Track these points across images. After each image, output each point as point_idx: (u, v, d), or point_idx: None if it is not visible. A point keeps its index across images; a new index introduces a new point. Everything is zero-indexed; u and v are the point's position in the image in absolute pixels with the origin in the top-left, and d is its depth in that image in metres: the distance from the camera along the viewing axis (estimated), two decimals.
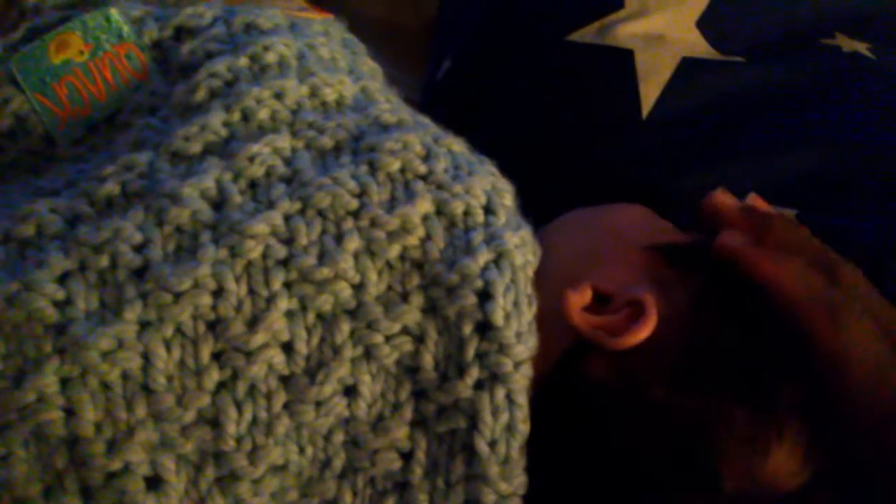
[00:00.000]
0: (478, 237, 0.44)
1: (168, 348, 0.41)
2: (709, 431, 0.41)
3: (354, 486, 0.42)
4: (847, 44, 0.61)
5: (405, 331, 0.42)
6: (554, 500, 0.43)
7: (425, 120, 0.51)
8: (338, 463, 0.42)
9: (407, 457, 0.42)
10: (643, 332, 0.42)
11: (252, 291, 0.42)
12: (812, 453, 0.40)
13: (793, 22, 0.62)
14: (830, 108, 0.58)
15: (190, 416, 0.40)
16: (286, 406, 0.41)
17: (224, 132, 0.46)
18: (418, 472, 0.42)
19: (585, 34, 0.61)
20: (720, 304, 0.43)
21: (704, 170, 0.57)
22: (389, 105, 0.50)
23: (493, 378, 0.42)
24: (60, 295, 0.41)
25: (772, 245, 0.44)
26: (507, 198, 0.47)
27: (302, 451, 0.42)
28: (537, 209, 0.48)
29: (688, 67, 0.59)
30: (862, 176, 0.55)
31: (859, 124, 0.57)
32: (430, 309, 0.43)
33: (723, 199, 0.48)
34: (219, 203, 0.43)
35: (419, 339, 0.42)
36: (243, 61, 0.49)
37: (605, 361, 0.43)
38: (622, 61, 0.59)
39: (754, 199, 0.48)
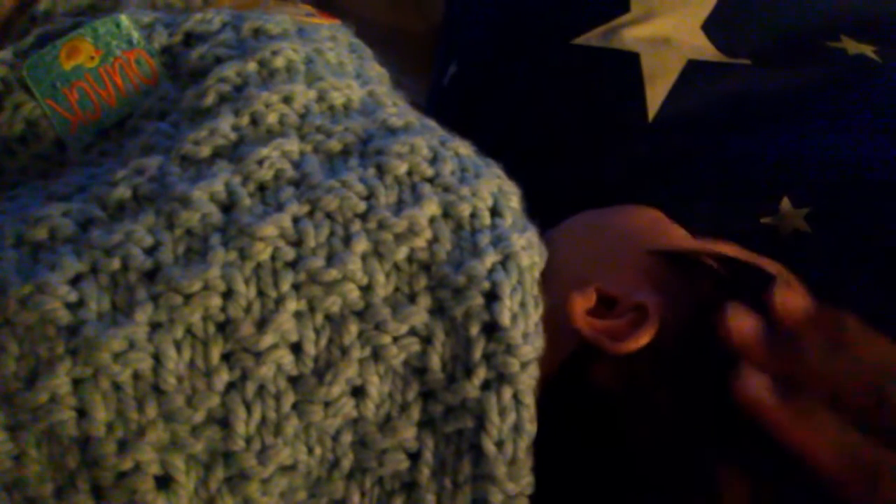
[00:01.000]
0: (484, 239, 0.44)
1: (178, 349, 0.41)
2: (709, 437, 0.41)
3: (362, 487, 0.42)
4: (853, 46, 0.61)
5: (413, 332, 0.43)
6: (560, 501, 0.44)
7: (432, 123, 0.51)
8: (346, 463, 0.42)
9: (414, 457, 0.42)
10: (644, 337, 0.43)
11: (261, 293, 0.42)
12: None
13: (798, 25, 0.62)
14: (836, 110, 0.58)
15: (200, 416, 0.41)
16: (295, 406, 0.41)
17: (233, 136, 0.47)
18: (426, 472, 0.42)
19: (591, 38, 0.61)
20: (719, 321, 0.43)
21: (710, 171, 0.57)
22: (396, 109, 0.51)
23: (500, 378, 0.42)
24: (73, 297, 0.41)
25: (802, 386, 0.37)
26: (513, 200, 0.48)
27: (310, 451, 0.42)
28: (543, 212, 0.49)
29: (694, 70, 0.59)
30: (867, 176, 0.55)
31: (865, 127, 0.57)
32: (438, 310, 0.43)
33: (737, 323, 0.39)
34: (228, 206, 0.44)
35: (427, 340, 0.43)
36: (252, 66, 0.50)
37: (607, 365, 0.43)
38: (628, 64, 0.59)
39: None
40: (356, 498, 0.42)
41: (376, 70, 0.57)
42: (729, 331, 0.40)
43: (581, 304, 0.44)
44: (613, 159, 0.59)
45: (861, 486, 0.36)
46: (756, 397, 0.38)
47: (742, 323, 0.40)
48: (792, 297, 0.40)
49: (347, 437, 0.42)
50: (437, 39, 0.77)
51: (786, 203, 0.55)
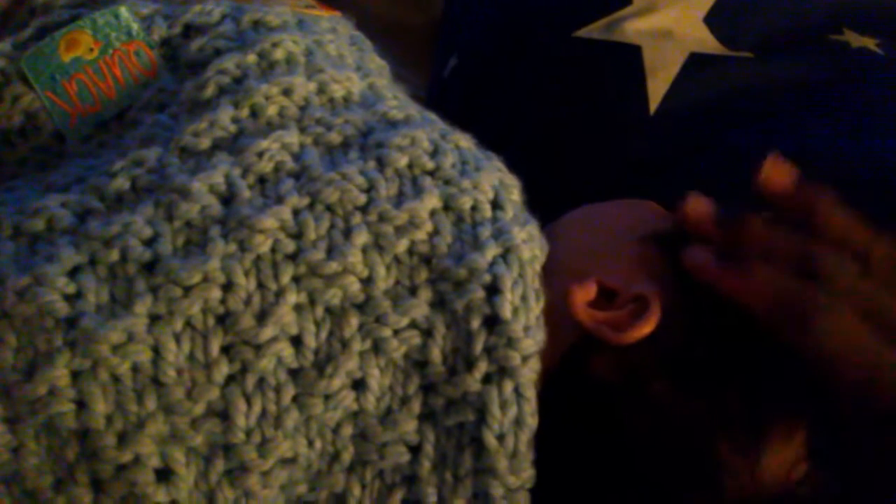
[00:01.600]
0: (485, 232, 0.44)
1: (178, 341, 0.41)
2: (708, 428, 0.41)
3: (363, 480, 0.42)
4: (855, 39, 0.61)
5: (413, 325, 0.42)
6: (561, 494, 0.43)
7: (432, 116, 0.51)
8: (346, 456, 0.42)
9: (415, 450, 0.42)
10: (646, 327, 0.43)
11: (261, 285, 0.42)
12: (810, 452, 0.40)
13: (801, 17, 0.62)
14: (838, 103, 0.58)
15: (199, 408, 0.40)
16: (295, 399, 0.41)
17: (233, 128, 0.47)
18: (427, 465, 0.42)
19: (593, 30, 0.61)
20: (717, 305, 0.43)
21: (712, 165, 0.57)
22: (397, 101, 0.51)
23: (501, 372, 0.42)
24: (71, 289, 0.41)
25: (743, 253, 0.42)
26: (514, 193, 0.47)
27: (311, 444, 0.42)
28: (544, 205, 0.48)
29: (696, 63, 0.59)
30: (869, 170, 0.55)
31: (867, 120, 0.57)
32: (439, 303, 0.43)
33: (694, 207, 0.46)
34: (228, 198, 0.44)
35: (427, 333, 0.42)
36: (252, 58, 0.49)
37: (608, 357, 0.43)
38: (630, 57, 0.59)
39: (695, 200, 0.46)
40: (357, 491, 0.42)
41: (377, 62, 0.57)
42: (685, 213, 0.46)
43: (582, 296, 0.44)
44: (614, 152, 0.59)
45: (797, 328, 0.40)
46: (700, 262, 0.43)
47: (698, 206, 0.46)
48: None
49: (348, 430, 0.42)
50: (437, 32, 0.77)
51: None
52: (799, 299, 0.40)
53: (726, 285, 0.42)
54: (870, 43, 0.61)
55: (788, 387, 0.41)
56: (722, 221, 0.45)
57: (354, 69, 0.53)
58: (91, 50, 0.52)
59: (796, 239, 0.43)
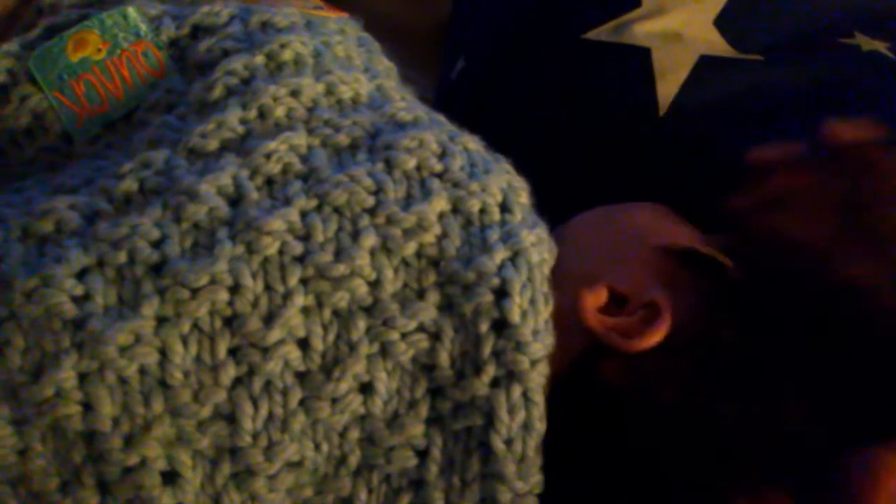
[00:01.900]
0: (494, 235, 0.44)
1: (185, 344, 0.41)
2: (718, 437, 0.41)
3: (370, 484, 0.42)
4: (866, 43, 0.61)
5: (421, 328, 0.42)
6: (568, 500, 0.43)
7: (440, 118, 0.51)
8: (353, 460, 0.42)
9: (422, 454, 0.42)
10: (656, 335, 0.42)
11: (268, 288, 0.42)
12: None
13: (811, 21, 0.61)
14: (849, 107, 0.58)
15: (206, 411, 0.40)
16: (302, 402, 0.41)
17: (241, 129, 0.46)
18: (434, 469, 0.42)
19: (602, 32, 0.60)
20: (735, 312, 0.43)
21: (721, 168, 0.56)
22: (405, 103, 0.50)
23: (509, 376, 0.42)
24: (79, 290, 0.41)
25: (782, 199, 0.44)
26: (522, 196, 0.47)
27: (317, 447, 0.42)
28: (553, 208, 0.48)
29: (705, 65, 0.59)
30: None
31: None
32: (447, 306, 0.43)
33: (763, 152, 0.47)
34: (235, 200, 0.44)
35: (435, 337, 0.42)
36: (260, 59, 0.49)
37: (618, 363, 0.43)
38: (639, 59, 0.59)
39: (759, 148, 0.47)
40: (363, 495, 0.42)
41: (384, 64, 0.57)
42: (757, 159, 0.47)
43: (592, 301, 0.44)
44: (623, 155, 0.58)
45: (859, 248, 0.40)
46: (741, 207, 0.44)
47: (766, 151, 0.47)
48: None
49: (355, 434, 0.42)
50: (444, 34, 0.77)
51: None
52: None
53: (764, 223, 0.43)
54: (881, 46, 0.61)
55: (803, 390, 0.41)
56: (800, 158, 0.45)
57: (362, 70, 0.52)
58: (99, 50, 0.52)
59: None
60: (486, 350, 0.42)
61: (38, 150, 0.52)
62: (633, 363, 0.42)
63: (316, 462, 0.42)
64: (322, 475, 0.42)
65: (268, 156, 0.45)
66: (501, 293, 0.42)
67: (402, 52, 0.61)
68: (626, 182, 0.57)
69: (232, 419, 0.41)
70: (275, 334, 0.41)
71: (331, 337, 0.42)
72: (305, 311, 0.42)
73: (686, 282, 0.44)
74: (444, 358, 0.42)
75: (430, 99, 0.65)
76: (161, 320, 0.41)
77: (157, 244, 0.42)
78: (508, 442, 0.41)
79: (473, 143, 0.49)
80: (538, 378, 0.42)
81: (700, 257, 0.45)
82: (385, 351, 0.42)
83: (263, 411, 0.41)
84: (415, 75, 0.64)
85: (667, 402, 0.41)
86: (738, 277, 0.44)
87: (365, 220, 0.43)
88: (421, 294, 0.43)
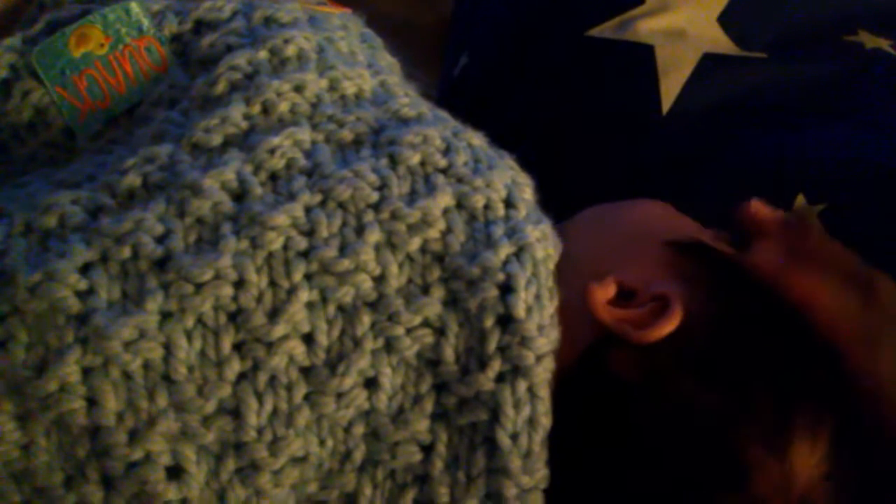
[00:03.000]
0: (498, 230, 0.44)
1: (189, 339, 0.40)
2: (731, 429, 0.41)
3: (374, 479, 0.42)
4: (870, 40, 0.61)
5: (426, 323, 0.42)
6: (575, 496, 0.43)
7: (444, 114, 0.51)
8: (358, 455, 0.42)
9: (427, 449, 0.42)
10: (669, 325, 0.42)
11: (273, 283, 0.41)
12: (834, 457, 0.40)
13: (815, 18, 0.62)
14: (852, 104, 0.58)
15: (211, 406, 0.40)
16: (307, 397, 0.41)
17: (244, 125, 0.46)
18: (439, 464, 0.42)
19: (605, 29, 0.60)
20: (746, 306, 0.43)
21: (725, 166, 0.56)
22: (408, 99, 0.50)
23: (514, 371, 0.42)
24: (83, 285, 0.41)
25: (807, 260, 0.44)
26: (526, 192, 0.47)
27: (322, 442, 0.41)
28: (556, 204, 0.48)
29: (709, 63, 0.59)
30: (885, 172, 0.55)
31: (881, 122, 0.57)
32: (451, 302, 0.43)
33: (759, 208, 0.48)
34: (239, 195, 0.43)
35: (440, 332, 0.42)
36: (263, 54, 0.49)
37: (628, 356, 0.43)
38: (643, 56, 0.59)
39: (757, 206, 0.48)
40: (368, 490, 0.42)
41: (387, 60, 0.57)
42: (749, 214, 0.48)
43: (601, 294, 0.44)
44: (626, 152, 0.58)
45: (861, 349, 0.41)
46: (768, 265, 0.44)
47: (761, 209, 0.48)
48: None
49: (360, 429, 0.42)
50: (446, 31, 0.77)
51: (801, 200, 0.55)
52: (865, 319, 0.42)
53: (797, 291, 0.43)
54: (884, 44, 0.61)
55: (816, 388, 0.41)
56: (788, 225, 0.46)
57: (366, 66, 0.52)
58: (101, 45, 0.51)
59: (854, 259, 0.45)
60: (492, 345, 0.42)
61: (40, 145, 0.51)
62: (645, 355, 0.42)
63: (320, 457, 0.42)
64: (327, 470, 0.42)
65: (272, 151, 0.45)
66: (506, 288, 0.42)
67: (404, 49, 0.61)
68: (628, 179, 0.57)
69: (236, 414, 0.40)
70: (279, 329, 0.41)
71: (335, 332, 0.42)
72: (310, 306, 0.41)
73: (694, 274, 0.44)
74: (448, 353, 0.42)
75: (432, 96, 0.65)
76: (165, 315, 0.41)
77: (160, 239, 0.42)
78: (514, 437, 0.41)
79: (477, 139, 0.49)
80: (543, 373, 0.42)
81: (707, 250, 0.45)
82: (390, 346, 0.42)
83: (268, 406, 0.41)
84: (416, 72, 0.63)
85: (677, 395, 0.41)
86: (747, 270, 0.44)
87: (369, 216, 0.43)
88: (426, 289, 0.43)
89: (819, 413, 0.41)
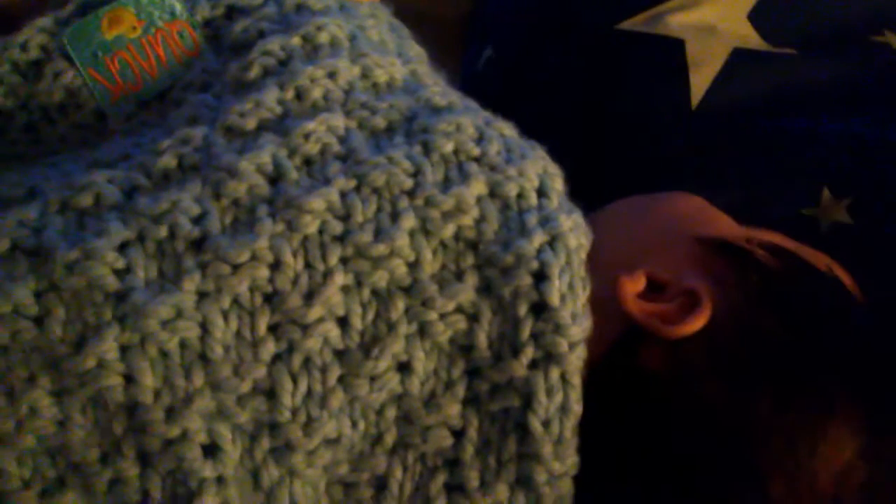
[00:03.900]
0: (532, 219, 0.44)
1: (226, 319, 0.41)
2: (756, 426, 0.41)
3: (405, 462, 0.42)
4: None
5: (459, 309, 0.42)
6: (602, 484, 0.43)
7: (474, 104, 0.51)
8: (389, 438, 0.42)
9: (459, 434, 0.42)
10: (699, 321, 0.42)
11: (309, 266, 0.42)
12: (862, 459, 0.40)
13: (843, 17, 0.62)
14: (879, 104, 0.58)
15: (246, 386, 0.40)
16: (340, 380, 0.41)
17: (278, 109, 0.47)
18: (470, 449, 0.42)
19: (636, 23, 0.61)
20: (776, 303, 0.43)
21: (752, 160, 0.57)
22: (439, 88, 0.50)
23: (548, 358, 0.42)
24: (120, 264, 0.41)
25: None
26: (558, 182, 0.47)
27: (354, 425, 0.42)
28: (584, 197, 0.48)
29: (739, 58, 0.59)
30: None
31: None
32: (485, 288, 0.43)
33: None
34: (275, 178, 0.44)
35: (473, 318, 0.42)
36: (296, 40, 0.49)
37: (657, 350, 0.43)
38: (673, 51, 0.59)
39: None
40: (398, 473, 0.42)
41: (416, 49, 0.57)
42: None
43: (631, 286, 0.44)
44: (655, 146, 0.59)
45: None
46: None
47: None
48: None
49: (391, 413, 0.42)
50: (466, 24, 0.77)
51: (826, 194, 0.55)
52: None
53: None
54: None
55: (844, 395, 0.41)
56: None
57: (395, 55, 0.53)
58: (134, 28, 0.52)
59: None
60: (525, 332, 0.42)
61: (71, 127, 0.52)
62: (673, 350, 0.43)
63: (352, 439, 0.42)
64: (358, 452, 0.42)
65: (307, 136, 0.45)
66: (540, 276, 0.43)
67: (425, 42, 0.61)
68: (657, 173, 0.58)
69: (271, 394, 0.41)
70: (315, 312, 0.41)
71: (370, 316, 0.42)
72: (345, 289, 0.42)
73: (724, 272, 0.45)
74: (481, 339, 0.42)
75: (456, 88, 0.65)
76: (202, 295, 0.41)
77: (197, 220, 0.42)
78: (546, 423, 0.42)
79: (508, 130, 0.49)
80: (576, 361, 0.42)
81: (738, 249, 0.46)
82: (423, 331, 0.42)
83: (303, 387, 0.41)
84: (438, 66, 0.64)
85: (704, 391, 0.42)
86: (779, 269, 0.44)
87: (404, 202, 0.43)
88: (459, 276, 0.43)
89: (848, 416, 0.41)
